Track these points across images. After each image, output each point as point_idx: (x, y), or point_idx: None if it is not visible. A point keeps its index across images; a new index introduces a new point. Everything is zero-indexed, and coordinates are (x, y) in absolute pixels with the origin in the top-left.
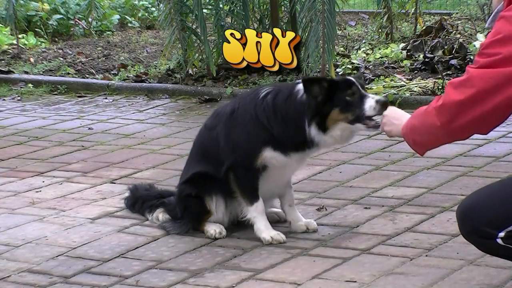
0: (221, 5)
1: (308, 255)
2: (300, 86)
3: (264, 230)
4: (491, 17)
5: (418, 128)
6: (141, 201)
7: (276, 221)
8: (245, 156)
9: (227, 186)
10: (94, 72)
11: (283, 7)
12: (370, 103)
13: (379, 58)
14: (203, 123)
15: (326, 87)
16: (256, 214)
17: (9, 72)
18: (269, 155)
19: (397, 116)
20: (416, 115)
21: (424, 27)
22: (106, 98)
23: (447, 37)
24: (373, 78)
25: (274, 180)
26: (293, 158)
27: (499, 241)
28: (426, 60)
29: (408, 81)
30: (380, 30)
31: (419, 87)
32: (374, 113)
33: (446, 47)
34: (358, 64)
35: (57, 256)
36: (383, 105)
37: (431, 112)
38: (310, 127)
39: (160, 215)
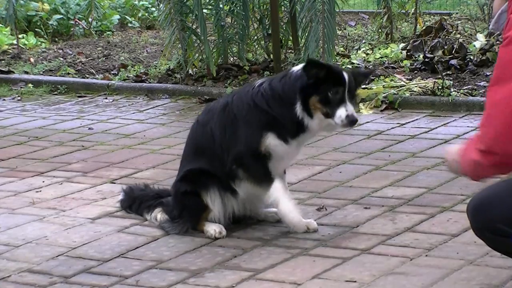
0: (221, 5)
1: (308, 255)
2: (295, 69)
3: (292, 211)
4: (494, 18)
5: (470, 165)
6: (138, 201)
7: (276, 221)
8: (249, 145)
9: (224, 180)
10: (94, 72)
11: (283, 7)
12: (340, 113)
13: (379, 58)
14: (195, 119)
15: (323, 75)
16: (277, 194)
17: (9, 72)
18: (272, 142)
19: (454, 157)
20: (466, 152)
21: (424, 27)
22: (106, 98)
23: (447, 37)
24: (373, 78)
25: (277, 167)
26: (292, 145)
27: None
28: (426, 60)
29: (408, 81)
30: (380, 30)
31: (419, 87)
32: (340, 124)
33: (446, 47)
34: (358, 64)
35: (57, 256)
36: (350, 122)
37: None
38: (298, 105)
39: (158, 215)
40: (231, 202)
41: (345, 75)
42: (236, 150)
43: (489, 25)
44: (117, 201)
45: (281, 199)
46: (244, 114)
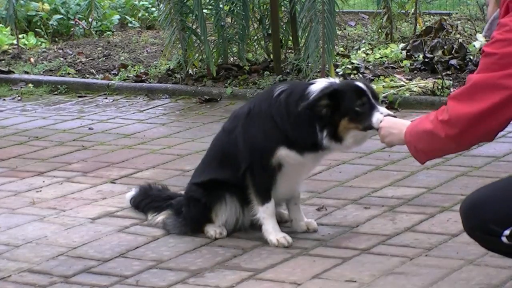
0: (221, 5)
1: (308, 255)
2: (313, 88)
3: (272, 232)
4: (487, 25)
5: (421, 137)
6: (149, 199)
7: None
8: (261, 154)
9: (244, 192)
10: (94, 72)
11: (283, 7)
12: (377, 117)
13: (379, 58)
14: (221, 127)
15: (328, 103)
16: (265, 215)
17: (9, 72)
18: (284, 153)
19: (394, 126)
20: (418, 124)
21: (424, 27)
22: (106, 98)
23: (446, 37)
24: (373, 78)
25: (290, 180)
26: (308, 158)
27: (504, 239)
28: (426, 60)
29: (407, 81)
30: (380, 30)
31: (419, 87)
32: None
33: (445, 47)
34: (358, 64)
35: (57, 256)
36: None
37: (436, 125)
38: (322, 137)
39: (160, 217)
40: (246, 216)
41: (360, 84)
42: (249, 158)
43: (483, 32)
44: (128, 196)
45: (266, 220)
46: (262, 122)
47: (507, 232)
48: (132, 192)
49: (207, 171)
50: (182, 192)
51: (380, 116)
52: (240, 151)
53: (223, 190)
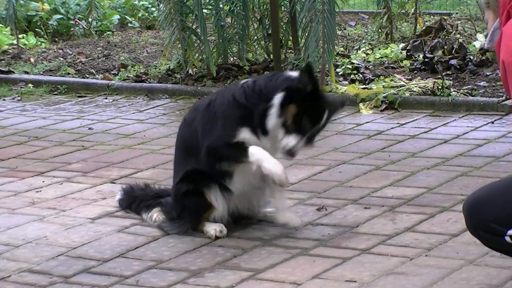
0: (221, 5)
1: (308, 255)
2: (290, 73)
3: (276, 165)
4: (488, 36)
5: None
6: (138, 201)
7: (274, 221)
8: (224, 137)
9: (216, 178)
10: (94, 72)
11: (283, 7)
12: (287, 141)
13: (379, 58)
14: (182, 119)
15: (310, 83)
16: (257, 155)
17: (9, 72)
18: (246, 136)
19: None
20: None
21: (424, 27)
22: (106, 98)
23: (447, 37)
24: (373, 78)
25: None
26: (265, 142)
27: (508, 239)
28: (426, 60)
29: (408, 81)
30: (380, 30)
31: (419, 87)
32: (281, 150)
33: (446, 47)
34: (358, 64)
35: (57, 256)
36: (288, 152)
37: None
38: (275, 103)
39: (155, 215)
40: (233, 199)
41: (326, 113)
42: (209, 141)
43: (485, 44)
44: (116, 200)
45: (263, 157)
46: (223, 109)
47: (511, 231)
48: (119, 196)
49: (181, 166)
50: (169, 187)
51: (290, 142)
52: (200, 139)
53: (201, 176)
